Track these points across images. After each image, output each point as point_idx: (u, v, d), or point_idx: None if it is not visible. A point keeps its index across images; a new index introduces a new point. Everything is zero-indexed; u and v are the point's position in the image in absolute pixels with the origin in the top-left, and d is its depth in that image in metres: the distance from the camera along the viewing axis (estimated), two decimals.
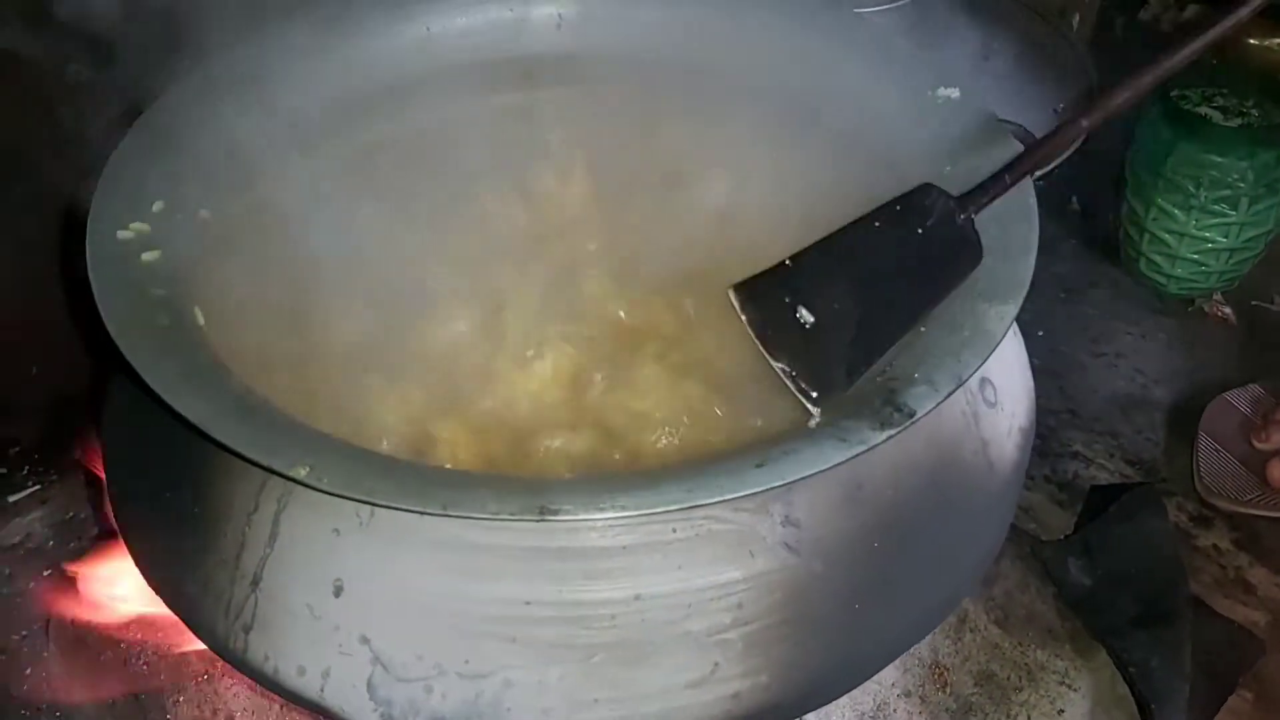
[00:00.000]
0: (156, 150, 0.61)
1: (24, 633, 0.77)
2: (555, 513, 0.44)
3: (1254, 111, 0.95)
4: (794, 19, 0.71)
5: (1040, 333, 1.00)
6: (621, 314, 0.65)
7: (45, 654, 0.76)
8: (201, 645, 0.55)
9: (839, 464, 0.46)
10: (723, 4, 0.73)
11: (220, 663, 0.56)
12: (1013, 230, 0.55)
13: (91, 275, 0.53)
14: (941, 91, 0.64)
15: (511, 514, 0.44)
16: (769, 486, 0.45)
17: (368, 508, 0.48)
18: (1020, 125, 0.82)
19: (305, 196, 0.66)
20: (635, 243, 0.68)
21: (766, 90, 0.70)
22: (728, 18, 0.73)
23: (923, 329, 0.53)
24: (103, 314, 0.51)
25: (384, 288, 0.63)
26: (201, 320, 0.55)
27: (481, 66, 0.74)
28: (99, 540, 0.82)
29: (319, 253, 0.62)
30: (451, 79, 0.74)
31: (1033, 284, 0.54)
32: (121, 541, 0.59)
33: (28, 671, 0.75)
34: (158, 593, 0.56)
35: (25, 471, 0.89)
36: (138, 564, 0.57)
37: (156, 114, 0.63)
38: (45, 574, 0.81)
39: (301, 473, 0.45)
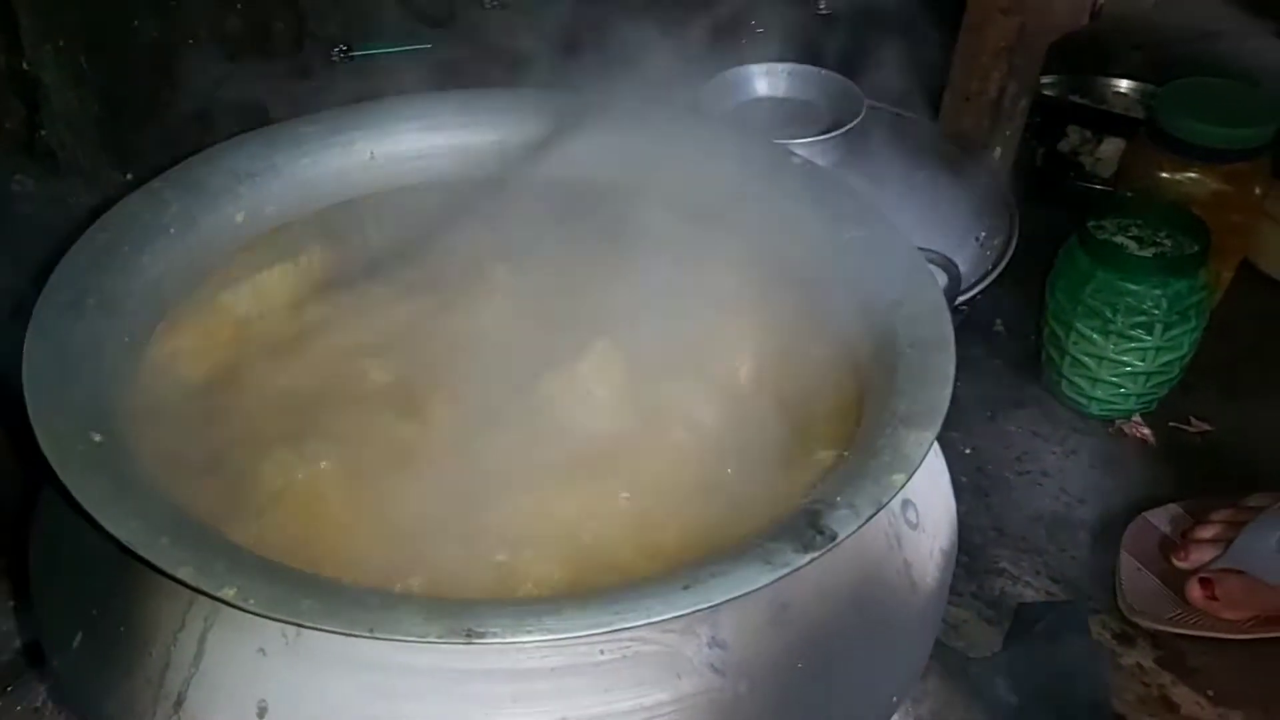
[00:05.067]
0: (99, 266, 0.62)
1: None
2: (482, 635, 0.44)
3: (1166, 242, 1.00)
4: (715, 149, 0.74)
5: (967, 450, 1.03)
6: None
7: None
8: None
9: (764, 586, 0.47)
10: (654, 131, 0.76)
11: None
12: (931, 360, 0.57)
13: (27, 390, 0.53)
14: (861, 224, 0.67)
15: (439, 636, 0.44)
16: (696, 608, 0.46)
17: (294, 627, 0.48)
18: (942, 254, 0.86)
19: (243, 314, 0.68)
20: None
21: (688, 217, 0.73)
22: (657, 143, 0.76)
23: (845, 453, 0.55)
24: (36, 429, 0.51)
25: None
26: (133, 440, 0.55)
27: (427, 189, 0.77)
28: (25, 654, 0.80)
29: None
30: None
31: (960, 404, 0.56)
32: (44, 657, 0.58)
33: None
34: (77, 713, 0.55)
35: None
36: (58, 681, 0.56)
37: (101, 230, 0.64)
38: None
39: (229, 593, 0.45)
